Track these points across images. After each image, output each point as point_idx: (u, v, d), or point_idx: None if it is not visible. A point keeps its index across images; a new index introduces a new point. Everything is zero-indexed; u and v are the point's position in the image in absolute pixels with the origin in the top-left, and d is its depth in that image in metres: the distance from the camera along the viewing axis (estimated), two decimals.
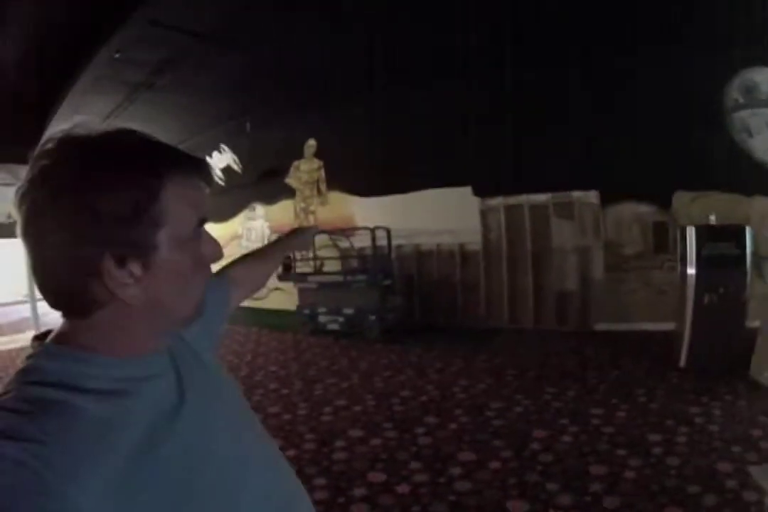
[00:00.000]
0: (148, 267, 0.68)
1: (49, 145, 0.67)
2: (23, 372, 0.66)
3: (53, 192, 0.63)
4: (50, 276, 0.67)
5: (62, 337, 0.71)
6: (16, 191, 0.66)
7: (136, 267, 0.67)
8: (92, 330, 0.70)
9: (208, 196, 0.76)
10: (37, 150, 0.67)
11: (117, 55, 8.36)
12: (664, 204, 8.46)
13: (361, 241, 9.81)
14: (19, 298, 16.93)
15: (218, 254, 0.79)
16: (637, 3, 7.19)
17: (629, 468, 3.68)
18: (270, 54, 9.11)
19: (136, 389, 0.72)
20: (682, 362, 5.97)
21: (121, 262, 0.66)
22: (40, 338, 0.73)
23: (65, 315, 0.71)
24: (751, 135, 8.20)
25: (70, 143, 0.67)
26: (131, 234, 0.66)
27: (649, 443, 4.11)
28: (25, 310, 13.67)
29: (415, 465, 3.96)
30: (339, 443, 4.47)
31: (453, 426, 4.74)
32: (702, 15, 7.37)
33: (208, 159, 13.88)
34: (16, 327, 12.95)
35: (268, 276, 1.52)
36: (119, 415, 0.66)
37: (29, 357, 0.69)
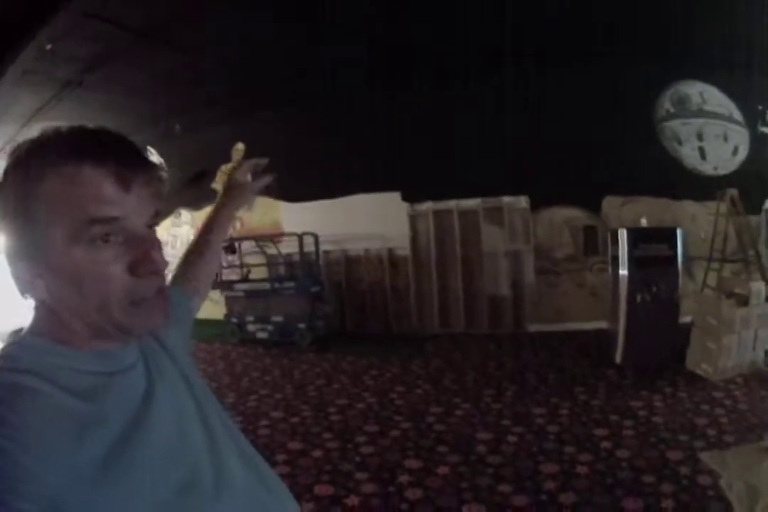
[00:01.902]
0: (48, 264, 0.68)
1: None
2: None
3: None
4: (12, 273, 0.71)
5: (37, 327, 0.73)
6: None
7: (36, 266, 0.68)
8: (45, 320, 0.72)
9: (119, 190, 0.70)
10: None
11: (48, 47, 7.85)
12: (594, 208, 8.70)
13: (289, 247, 9.60)
14: None
15: (149, 266, 0.73)
16: (576, 12, 7.30)
17: (581, 464, 3.66)
18: (203, 54, 8.80)
19: (106, 384, 0.72)
20: (619, 359, 6.10)
21: (27, 258, 0.69)
22: (19, 332, 0.75)
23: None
24: (680, 143, 8.62)
25: (16, 151, 0.69)
26: (21, 230, 0.68)
27: (597, 438, 4.13)
28: None
29: (361, 475, 3.80)
30: (279, 457, 4.25)
31: (395, 433, 4.60)
32: (637, 27, 7.58)
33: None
34: None
35: (218, 266, 1.43)
36: (91, 411, 0.66)
37: (5, 346, 0.71)
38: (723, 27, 7.49)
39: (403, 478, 3.69)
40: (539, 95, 8.42)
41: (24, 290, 0.71)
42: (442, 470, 3.78)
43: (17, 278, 0.71)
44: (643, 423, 4.38)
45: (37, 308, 0.74)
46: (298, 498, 3.38)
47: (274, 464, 4.07)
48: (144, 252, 0.72)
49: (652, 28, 7.53)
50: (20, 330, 0.74)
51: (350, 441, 4.48)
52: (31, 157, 0.67)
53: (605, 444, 3.96)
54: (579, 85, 8.39)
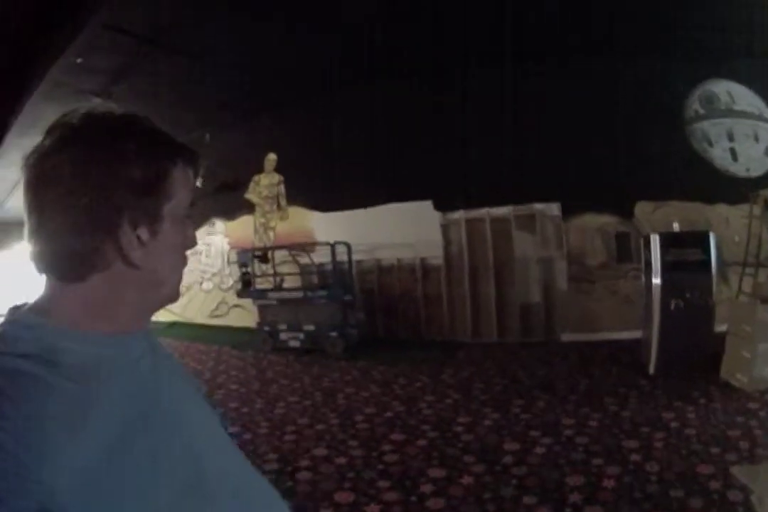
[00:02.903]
0: (154, 235, 0.74)
1: (72, 116, 0.72)
2: None
3: (80, 157, 0.68)
4: (61, 236, 0.69)
5: (43, 307, 0.71)
6: (30, 156, 0.70)
7: (144, 233, 0.73)
8: (80, 298, 0.71)
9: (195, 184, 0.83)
10: (57, 120, 0.72)
11: (79, 61, 8.08)
12: (626, 214, 8.55)
13: (322, 256, 9.65)
14: None
15: (195, 240, 0.86)
16: (608, 15, 7.22)
17: (608, 477, 3.56)
18: (230, 63, 8.94)
19: (112, 371, 0.71)
20: (652, 369, 5.95)
21: (134, 226, 0.72)
22: (15, 306, 0.73)
23: (61, 278, 0.71)
24: (711, 144, 8.41)
25: (93, 116, 0.73)
26: (147, 202, 0.73)
27: (626, 450, 4.02)
28: None
29: (383, 483, 3.77)
30: (303, 462, 4.24)
31: (421, 442, 4.56)
32: (662, 28, 7.45)
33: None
34: None
35: None
36: (93, 398, 0.65)
37: (3, 324, 0.69)
38: (749, 23, 7.32)
39: (426, 487, 3.64)
40: (568, 102, 8.34)
41: (94, 261, 0.71)
42: (466, 480, 3.72)
43: (93, 248, 0.70)
44: (674, 435, 4.26)
45: (57, 286, 0.72)
46: (318, 504, 3.42)
47: (296, 470, 4.10)
48: (194, 233, 0.86)
49: (678, 26, 7.39)
50: (20, 306, 0.73)
51: (375, 449, 4.45)
52: (163, 143, 0.78)
53: (634, 457, 3.85)
54: (606, 88, 8.31)
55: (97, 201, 0.68)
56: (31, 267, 0.72)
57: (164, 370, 0.83)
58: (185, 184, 0.79)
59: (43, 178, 0.69)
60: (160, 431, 0.71)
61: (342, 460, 4.25)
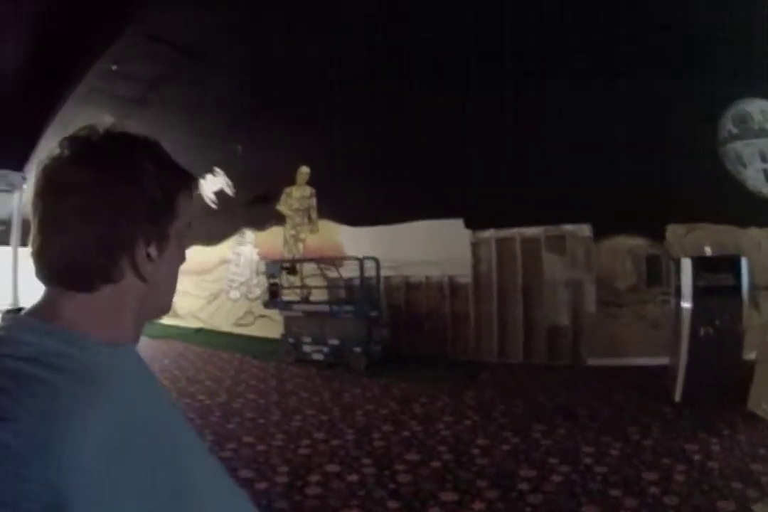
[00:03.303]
0: (161, 252, 0.77)
1: (92, 131, 0.75)
2: None
3: (98, 171, 0.70)
4: (81, 247, 0.70)
5: (44, 313, 0.71)
6: (42, 168, 0.71)
7: (153, 249, 0.76)
8: (86, 308, 0.72)
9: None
10: (77, 132, 0.74)
11: (114, 67, 8.27)
12: (657, 237, 8.39)
13: (350, 270, 9.64)
14: (4, 307, 16.64)
15: (185, 257, 0.88)
16: (639, 34, 7.15)
17: (624, 509, 3.45)
18: (265, 75, 9.05)
19: (114, 377, 0.70)
20: (677, 397, 5.78)
21: (147, 243, 0.75)
22: (11, 311, 0.73)
23: (71, 287, 0.71)
24: (744, 165, 8.18)
25: (115, 136, 0.76)
26: (160, 220, 0.76)
27: (645, 482, 3.89)
28: None
29: (392, 504, 3.71)
30: (314, 477, 4.20)
31: (435, 463, 4.48)
32: (693, 47, 7.34)
33: (201, 181, 13.86)
34: None
35: None
36: (97, 401, 0.64)
37: (3, 328, 0.69)
38: None
39: (435, 511, 3.57)
40: (601, 122, 8.24)
41: (111, 273, 0.72)
42: (478, 505, 3.64)
43: (112, 261, 0.72)
44: (696, 467, 4.11)
45: (62, 294, 0.71)
46: None
47: (306, 484, 4.07)
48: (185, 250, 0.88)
49: (709, 45, 7.26)
50: (16, 310, 0.73)
51: (388, 468, 4.39)
52: (175, 167, 0.81)
53: (653, 490, 3.72)
54: (639, 108, 8.17)
55: (120, 215, 0.71)
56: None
57: (151, 385, 0.84)
58: (188, 205, 0.83)
59: (60, 188, 0.70)
60: (158, 439, 0.72)
61: (353, 477, 4.20)
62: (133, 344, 0.80)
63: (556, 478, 4.05)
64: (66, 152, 0.71)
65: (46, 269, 0.71)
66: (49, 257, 0.71)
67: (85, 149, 0.72)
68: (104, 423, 0.63)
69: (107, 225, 0.70)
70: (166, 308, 0.87)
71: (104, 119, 0.79)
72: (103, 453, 0.61)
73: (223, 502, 0.83)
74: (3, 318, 0.71)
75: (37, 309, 0.71)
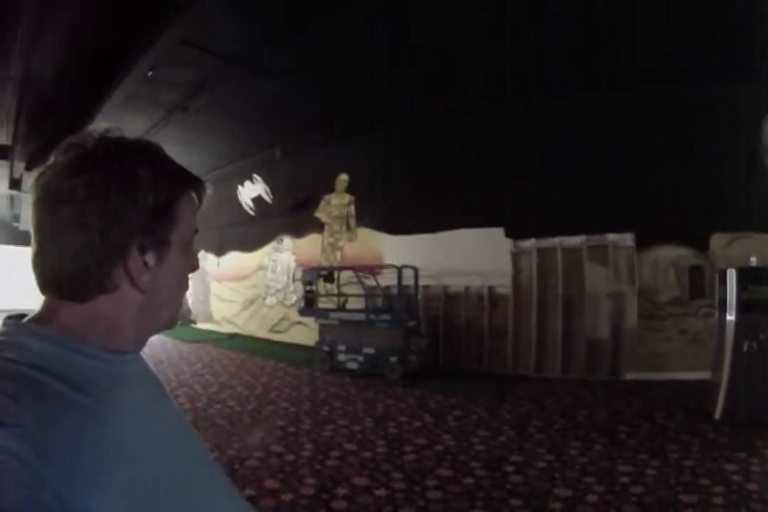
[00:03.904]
0: (161, 260, 0.76)
1: (87, 138, 0.74)
2: (1, 348, 0.66)
3: (92, 180, 0.69)
4: (73, 256, 0.69)
5: (45, 320, 0.71)
6: (40, 176, 0.72)
7: (150, 258, 0.74)
8: (82, 317, 0.71)
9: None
10: (72, 140, 0.73)
11: (150, 74, 8.40)
12: (701, 246, 8.14)
13: (388, 279, 9.59)
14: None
15: (197, 265, 0.87)
16: (680, 38, 6.97)
17: None
18: (306, 81, 9.11)
19: (116, 387, 0.70)
20: (718, 414, 5.56)
21: (142, 251, 0.73)
22: (12, 316, 0.73)
23: (67, 297, 0.71)
24: None
25: (109, 140, 0.75)
26: (156, 227, 0.75)
27: (682, 505, 3.72)
28: None
29: None
30: (341, 490, 4.15)
31: (467, 480, 4.37)
32: (734, 52, 7.12)
33: (240, 188, 14.03)
34: None
35: None
36: (104, 412, 0.65)
37: (3, 333, 0.69)
38: None
39: None
40: (642, 129, 8.06)
41: (103, 283, 0.72)
42: None
43: (104, 271, 0.71)
44: (735, 490, 3.92)
45: (59, 303, 0.72)
46: None
47: (333, 497, 4.02)
48: (197, 258, 0.87)
49: (750, 49, 7.01)
50: (17, 316, 0.73)
51: (419, 483, 4.31)
52: (174, 170, 0.80)
53: None
54: (680, 115, 7.99)
55: (111, 224, 0.70)
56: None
57: (158, 392, 0.85)
58: (192, 211, 0.82)
59: (57, 198, 0.69)
60: (161, 446, 0.73)
61: (382, 492, 4.13)
62: (134, 352, 0.79)
63: (591, 498, 3.91)
64: (60, 160, 0.71)
65: (41, 278, 0.72)
66: (43, 267, 0.72)
67: (78, 157, 0.71)
68: (114, 435, 0.64)
69: (98, 234, 0.69)
70: (170, 320, 0.84)
71: (101, 124, 0.78)
72: (112, 465, 0.61)
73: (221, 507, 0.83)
74: (4, 324, 0.72)
75: (38, 317, 0.72)
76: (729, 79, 7.48)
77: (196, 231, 0.84)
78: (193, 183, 0.82)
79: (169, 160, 0.80)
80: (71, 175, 0.70)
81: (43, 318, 0.71)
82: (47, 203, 0.70)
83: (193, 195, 0.82)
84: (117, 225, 0.70)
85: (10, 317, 0.74)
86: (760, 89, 7.56)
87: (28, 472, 0.53)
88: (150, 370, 0.85)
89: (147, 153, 0.77)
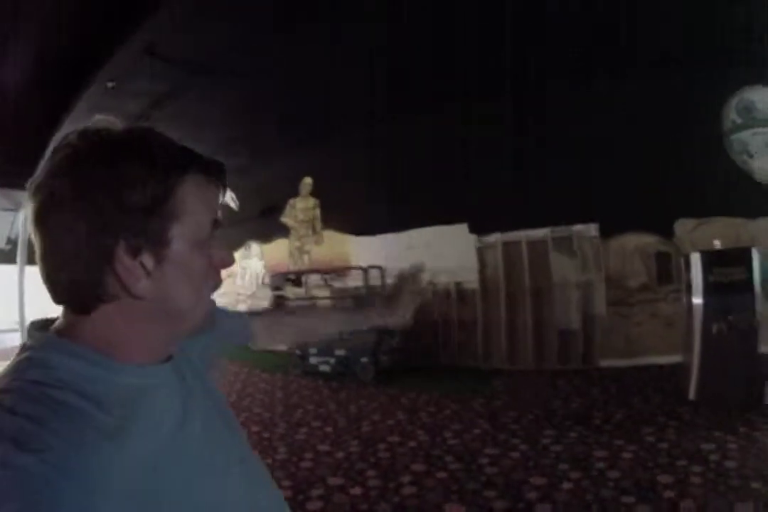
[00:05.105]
0: (160, 261, 0.68)
1: (71, 137, 0.68)
2: (26, 365, 0.64)
3: (77, 181, 0.64)
4: (62, 266, 0.66)
5: (63, 331, 0.69)
6: (32, 182, 0.67)
7: (148, 260, 0.67)
8: (91, 330, 0.68)
9: (221, 199, 0.78)
10: (58, 142, 0.68)
11: (110, 85, 8.24)
12: (666, 233, 8.23)
13: (356, 280, 9.53)
14: (11, 327, 16.75)
15: (229, 260, 0.79)
16: (631, 26, 7.02)
17: None
18: (269, 88, 9.02)
19: (138, 401, 0.68)
20: (692, 395, 5.58)
21: (135, 254, 0.66)
22: (38, 326, 0.71)
23: (71, 309, 0.68)
24: (750, 156, 8.00)
25: (93, 136, 0.68)
26: (146, 225, 0.66)
27: (660, 486, 3.70)
28: (16, 339, 13.50)
29: None
30: (316, 491, 4.07)
31: (441, 474, 4.32)
32: (694, 37, 7.20)
33: None
34: (6, 356, 12.81)
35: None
36: (122, 428, 0.63)
37: (29, 347, 0.67)
38: None
39: None
40: (601, 118, 8.08)
41: (97, 293, 0.66)
42: None
43: (95, 280, 0.66)
44: (713, 468, 3.91)
45: (70, 315, 0.69)
46: None
47: (307, 499, 3.95)
48: (227, 250, 0.78)
49: (707, 33, 7.11)
50: (40, 323, 0.72)
51: (393, 480, 4.24)
52: (167, 159, 0.69)
53: (668, 494, 3.53)
54: (639, 102, 8.02)
55: (96, 227, 0.64)
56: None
57: (193, 394, 0.81)
58: (200, 200, 0.72)
59: (46, 204, 0.65)
60: (186, 462, 0.70)
61: (357, 491, 4.07)
62: (159, 363, 0.75)
63: (567, 486, 3.87)
64: (47, 164, 0.67)
65: (47, 289, 0.69)
66: (44, 277, 0.68)
67: (64, 158, 0.66)
68: (135, 452, 0.62)
69: (85, 239, 0.64)
70: (195, 324, 0.76)
71: (96, 117, 0.75)
72: (131, 481, 0.60)
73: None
74: (30, 334, 0.70)
75: (60, 328, 0.69)
76: (689, 65, 7.55)
77: (215, 221, 0.75)
78: (196, 166, 0.72)
79: (162, 147, 0.71)
80: (56, 177, 0.65)
81: (64, 329, 0.69)
82: (37, 211, 0.66)
83: (201, 179, 0.72)
84: (99, 228, 0.64)
85: (33, 323, 0.73)
86: (721, 75, 7.66)
87: (55, 496, 0.52)
88: (173, 380, 0.78)
89: (135, 145, 0.69)
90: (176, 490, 0.66)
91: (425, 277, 9.80)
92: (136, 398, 0.68)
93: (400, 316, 9.97)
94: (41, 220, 0.66)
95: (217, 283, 0.78)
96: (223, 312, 0.95)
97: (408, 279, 9.99)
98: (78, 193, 0.64)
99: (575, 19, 7.06)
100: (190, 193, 0.70)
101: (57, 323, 0.70)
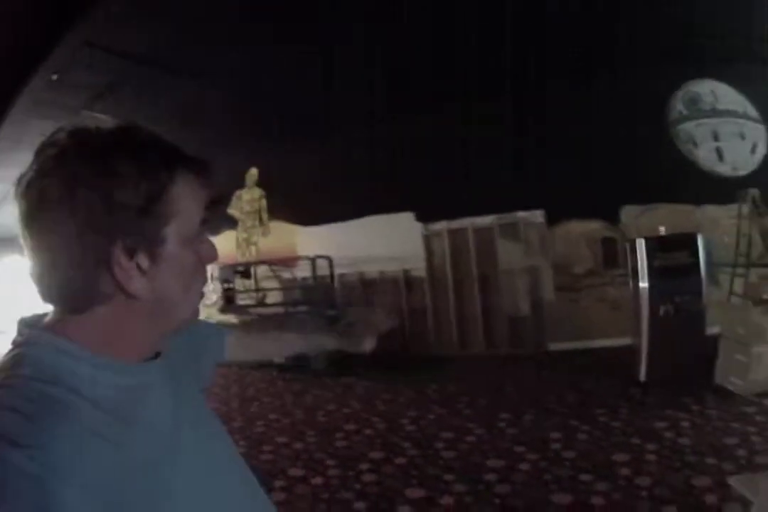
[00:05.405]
0: (155, 260, 0.68)
1: (59, 135, 0.66)
2: (18, 361, 0.64)
3: (66, 180, 0.63)
4: (55, 266, 0.65)
5: (57, 328, 0.68)
6: (20, 180, 0.65)
7: (143, 260, 0.67)
8: (84, 330, 0.67)
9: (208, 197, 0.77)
10: (45, 140, 0.67)
11: (54, 77, 7.93)
12: (612, 219, 8.44)
13: (304, 271, 9.45)
14: None
15: (215, 254, 0.79)
16: (577, 21, 7.14)
17: (596, 494, 3.35)
18: (214, 79, 8.82)
19: (132, 399, 0.69)
20: (643, 376, 5.70)
21: (130, 254, 0.66)
22: (28, 323, 0.71)
23: (62, 309, 0.68)
24: (696, 145, 8.30)
25: (82, 134, 0.67)
26: (142, 225, 0.66)
27: (616, 464, 3.80)
28: None
29: (359, 505, 3.58)
30: (277, 483, 4.05)
31: (400, 460, 4.34)
32: (642, 30, 7.37)
33: None
34: None
35: None
36: (115, 426, 0.63)
37: (20, 344, 0.67)
38: (727, 20, 7.30)
39: (404, 509, 3.44)
40: (548, 106, 8.25)
41: (91, 294, 0.66)
42: (446, 500, 3.52)
43: (89, 281, 0.65)
44: (667, 445, 4.05)
45: (79, 314, 0.68)
46: None
47: (271, 490, 3.91)
48: (213, 244, 0.78)
49: (655, 29, 7.32)
50: (29, 321, 0.71)
51: (353, 468, 4.25)
52: (159, 157, 0.69)
53: (624, 471, 3.64)
54: (587, 92, 8.19)
55: (86, 229, 0.63)
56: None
57: (186, 392, 0.83)
58: (191, 198, 0.72)
59: (33, 205, 0.64)
60: (185, 460, 0.71)
61: (318, 480, 4.07)
62: (148, 362, 0.76)
63: (524, 467, 3.95)
64: (34, 165, 0.65)
65: (38, 290, 0.68)
66: (35, 278, 0.68)
67: (50, 158, 0.65)
68: (123, 450, 0.62)
69: (74, 240, 0.63)
70: (187, 318, 0.78)
71: (84, 113, 0.66)
72: (121, 479, 0.59)
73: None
74: (20, 331, 0.69)
75: (50, 324, 0.69)
76: (635, 57, 7.73)
77: (204, 221, 0.75)
78: (184, 165, 0.71)
79: (152, 145, 0.70)
80: (42, 178, 0.64)
81: (56, 327, 0.68)
82: (25, 213, 0.65)
83: (191, 177, 0.72)
84: (92, 229, 0.63)
85: (23, 320, 0.72)
86: (666, 67, 7.87)
87: (44, 494, 0.52)
88: (162, 377, 0.78)
89: (124, 142, 0.68)
90: (172, 488, 0.66)
91: (373, 266, 9.77)
92: (130, 396, 0.68)
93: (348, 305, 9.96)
94: (31, 220, 0.65)
95: (205, 278, 0.79)
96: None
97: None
98: (64, 193, 0.63)
99: (575, 19, 7.12)
100: (182, 191, 0.70)
101: (48, 320, 0.70)
